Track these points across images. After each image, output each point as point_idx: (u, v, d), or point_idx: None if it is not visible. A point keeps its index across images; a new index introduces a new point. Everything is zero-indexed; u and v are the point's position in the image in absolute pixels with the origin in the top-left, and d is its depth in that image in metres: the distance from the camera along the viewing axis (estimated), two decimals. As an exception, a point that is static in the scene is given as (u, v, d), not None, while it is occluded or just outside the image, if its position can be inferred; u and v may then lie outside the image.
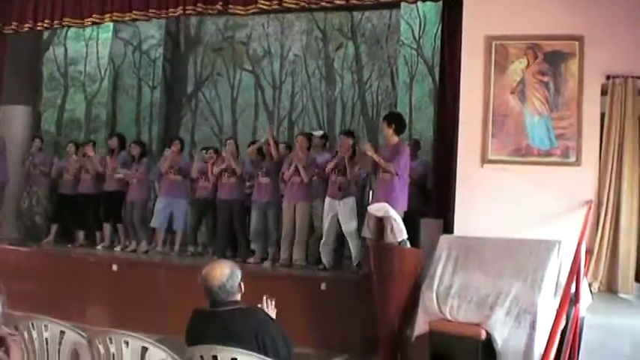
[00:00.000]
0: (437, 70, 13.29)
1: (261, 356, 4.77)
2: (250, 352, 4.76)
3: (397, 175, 10.24)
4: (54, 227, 14.45)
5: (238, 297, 5.18)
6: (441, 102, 11.66)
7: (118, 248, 13.65)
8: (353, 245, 11.45)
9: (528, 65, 9.90)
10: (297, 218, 11.92)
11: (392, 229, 9.59)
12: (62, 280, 11.81)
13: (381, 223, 9.76)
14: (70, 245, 14.14)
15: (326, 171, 11.77)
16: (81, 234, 14.33)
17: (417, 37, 15.67)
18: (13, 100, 15.06)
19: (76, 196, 14.43)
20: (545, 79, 9.83)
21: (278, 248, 12.17)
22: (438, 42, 13.08)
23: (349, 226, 11.34)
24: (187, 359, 4.95)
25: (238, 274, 5.19)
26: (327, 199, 11.67)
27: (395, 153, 10.36)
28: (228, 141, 13.56)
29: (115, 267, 12.22)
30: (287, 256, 12.03)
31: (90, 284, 11.81)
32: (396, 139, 10.55)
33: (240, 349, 4.75)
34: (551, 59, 9.82)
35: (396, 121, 10.76)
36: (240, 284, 5.19)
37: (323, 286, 10.72)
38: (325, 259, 11.61)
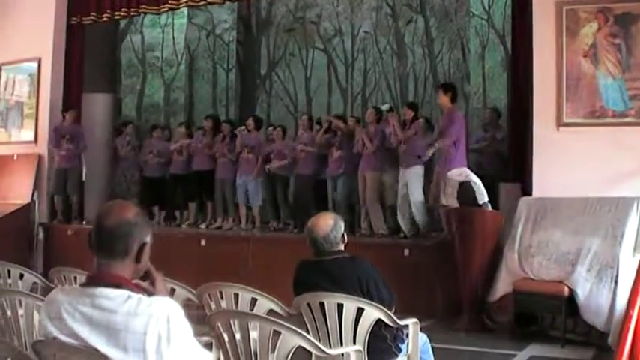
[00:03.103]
0: (508, 38, 13.39)
1: (367, 300, 5.02)
2: (356, 297, 5.01)
3: (453, 144, 10.45)
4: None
5: (342, 247, 5.39)
6: (515, 69, 11.81)
7: (203, 226, 13.98)
8: (417, 213, 11.61)
9: (599, 28, 9.96)
10: (368, 189, 12.14)
11: (445, 192, 9.87)
12: (153, 255, 12.07)
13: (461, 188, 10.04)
14: (155, 225, 14.42)
15: (387, 133, 12.08)
16: (165, 214, 14.63)
17: (487, 7, 15.79)
18: (94, 88, 15.39)
19: (162, 178, 14.85)
20: (617, 41, 9.90)
21: (356, 217, 12.39)
22: (508, 11, 13.16)
23: (414, 193, 11.56)
24: (295, 307, 5.23)
25: (342, 225, 5.39)
26: (400, 170, 11.90)
27: (449, 122, 10.58)
28: (302, 117, 13.84)
29: (203, 242, 12.71)
30: (367, 225, 12.25)
31: (180, 258, 12.07)
32: (450, 106, 10.76)
33: (346, 295, 5.02)
34: (622, 21, 9.88)
35: (452, 89, 11.05)
36: (343, 234, 5.39)
37: (406, 252, 10.95)
38: (404, 227, 11.78)
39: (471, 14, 16.21)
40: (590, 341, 8.73)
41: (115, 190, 15.04)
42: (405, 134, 11.70)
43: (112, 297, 2.99)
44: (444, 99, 10.72)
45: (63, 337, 3.04)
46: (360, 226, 12.41)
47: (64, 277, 6.34)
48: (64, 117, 14.27)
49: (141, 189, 15.07)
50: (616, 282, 8.44)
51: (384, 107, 13.53)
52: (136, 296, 3.00)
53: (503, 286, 9.43)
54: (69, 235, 13.71)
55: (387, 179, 12.23)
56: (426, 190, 11.52)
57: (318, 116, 14.83)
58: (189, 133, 14.87)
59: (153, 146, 14.94)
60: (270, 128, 14.49)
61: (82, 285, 3.14)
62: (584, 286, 8.58)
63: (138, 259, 3.13)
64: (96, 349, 2.97)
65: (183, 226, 14.18)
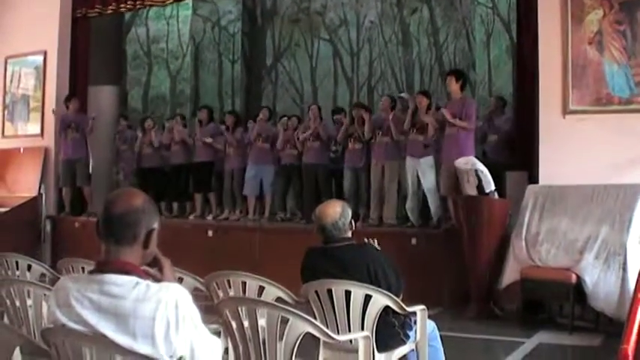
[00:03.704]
0: (514, 26, 13.37)
1: (374, 287, 5.04)
2: (363, 284, 5.03)
3: (469, 129, 10.50)
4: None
5: (349, 234, 5.40)
6: (520, 57, 11.80)
7: (210, 217, 13.96)
8: (432, 202, 11.51)
9: (604, 15, 9.94)
10: (386, 178, 12.03)
11: (468, 181, 9.83)
12: (160, 247, 12.04)
13: (455, 177, 10.05)
14: (162, 216, 14.27)
15: (404, 127, 11.77)
16: (174, 205, 14.57)
17: (493, -5, 15.85)
18: (99, 80, 15.40)
19: (161, 169, 14.81)
20: (622, 27, 9.87)
21: (368, 208, 12.37)
22: (514, -1, 13.18)
23: (428, 182, 11.46)
24: (303, 295, 5.25)
25: (349, 212, 5.40)
26: (408, 159, 11.72)
27: (466, 108, 10.61)
28: (312, 106, 13.82)
29: (210, 233, 12.77)
30: (376, 216, 12.12)
31: (187, 249, 12.03)
32: (460, 93, 10.82)
33: (354, 282, 5.04)
34: (627, 8, 9.85)
35: (463, 76, 11.12)
36: (351, 222, 5.40)
37: (413, 241, 10.94)
38: (412, 216, 11.73)
39: (476, 2, 16.24)
40: (598, 328, 8.73)
41: (117, 182, 15.03)
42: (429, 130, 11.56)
43: (121, 283, 3.00)
44: (455, 87, 10.72)
45: (72, 324, 3.04)
46: (369, 216, 12.28)
47: (72, 267, 6.36)
48: (67, 107, 14.26)
49: (138, 180, 14.97)
50: (624, 269, 8.45)
51: (405, 95, 13.53)
52: (144, 282, 3.01)
53: (510, 274, 9.43)
54: (76, 228, 13.76)
55: (403, 169, 12.07)
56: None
57: (325, 106, 14.80)
58: (184, 123, 14.83)
59: (147, 137, 14.87)
60: (285, 118, 14.36)
61: (91, 272, 3.15)
62: (592, 274, 8.58)
63: (146, 246, 3.14)
64: (104, 336, 2.98)
65: (190, 217, 14.14)
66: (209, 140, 13.79)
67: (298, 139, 13.23)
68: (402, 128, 11.83)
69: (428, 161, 11.48)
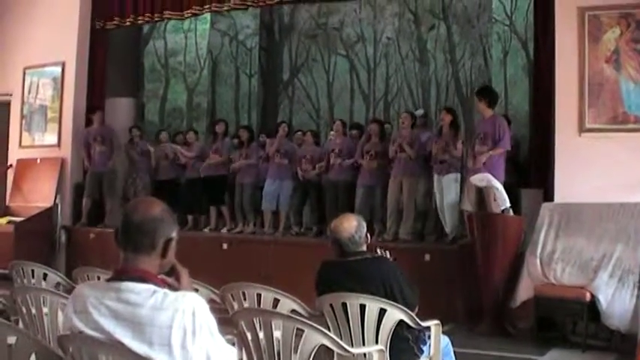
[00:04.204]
0: (530, 44, 13.38)
1: (389, 301, 5.04)
2: (378, 298, 5.04)
3: (505, 150, 10.48)
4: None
5: (364, 247, 5.42)
6: (537, 75, 11.82)
7: (224, 230, 13.98)
8: (449, 219, 11.53)
9: (621, 34, 9.94)
10: (405, 194, 11.96)
11: (494, 198, 9.80)
12: (175, 258, 12.05)
13: (480, 194, 10.00)
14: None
15: (429, 149, 11.78)
16: (189, 218, 14.55)
17: (509, 13, 15.77)
18: (116, 93, 15.50)
19: (176, 181, 14.82)
20: (639, 46, 9.88)
21: (383, 224, 12.33)
22: (531, 17, 13.16)
23: (450, 198, 11.43)
24: (317, 308, 5.26)
25: (364, 225, 5.42)
26: (435, 176, 11.72)
27: (499, 127, 10.48)
28: (336, 122, 13.79)
29: (224, 245, 12.77)
30: (393, 232, 12.04)
31: (202, 261, 12.02)
32: (490, 112, 10.69)
33: (369, 296, 5.04)
34: (644, 27, 9.88)
35: (491, 94, 11.00)
36: (366, 235, 5.42)
37: (427, 257, 10.92)
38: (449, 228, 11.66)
39: (493, 20, 16.19)
40: (611, 347, 8.72)
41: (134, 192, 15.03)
42: (455, 147, 11.54)
43: (138, 291, 3.03)
44: (484, 106, 10.66)
45: (88, 331, 3.07)
46: (384, 232, 12.21)
47: (88, 276, 6.39)
48: (89, 120, 14.38)
49: (152, 192, 14.71)
50: (639, 287, 8.44)
51: (418, 113, 13.51)
52: (161, 291, 3.04)
53: (524, 291, 9.42)
54: (91, 239, 13.80)
55: (421, 186, 12.08)
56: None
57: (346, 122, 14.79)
58: (197, 138, 14.97)
59: (161, 150, 14.93)
60: (299, 132, 14.41)
61: (108, 279, 3.18)
62: (607, 292, 8.57)
63: (164, 255, 3.17)
64: (121, 343, 3.00)
65: (205, 230, 14.16)
66: (238, 164, 13.88)
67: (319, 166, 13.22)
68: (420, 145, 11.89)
69: (452, 177, 11.47)
